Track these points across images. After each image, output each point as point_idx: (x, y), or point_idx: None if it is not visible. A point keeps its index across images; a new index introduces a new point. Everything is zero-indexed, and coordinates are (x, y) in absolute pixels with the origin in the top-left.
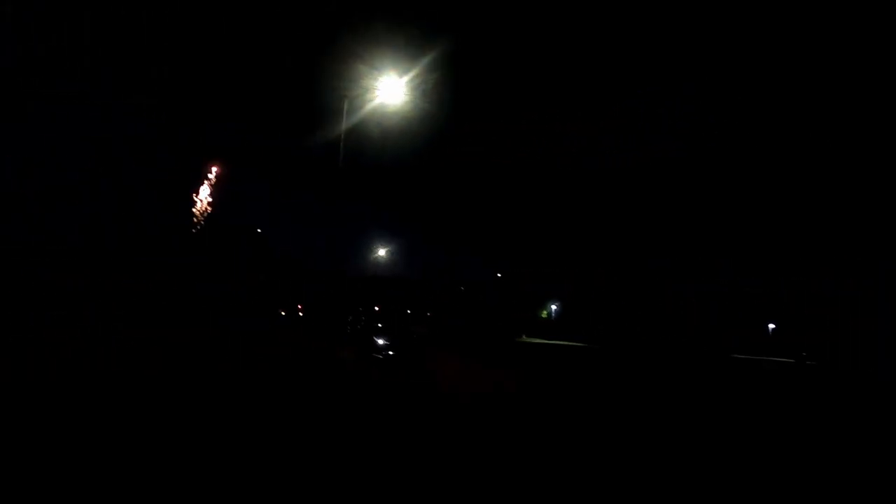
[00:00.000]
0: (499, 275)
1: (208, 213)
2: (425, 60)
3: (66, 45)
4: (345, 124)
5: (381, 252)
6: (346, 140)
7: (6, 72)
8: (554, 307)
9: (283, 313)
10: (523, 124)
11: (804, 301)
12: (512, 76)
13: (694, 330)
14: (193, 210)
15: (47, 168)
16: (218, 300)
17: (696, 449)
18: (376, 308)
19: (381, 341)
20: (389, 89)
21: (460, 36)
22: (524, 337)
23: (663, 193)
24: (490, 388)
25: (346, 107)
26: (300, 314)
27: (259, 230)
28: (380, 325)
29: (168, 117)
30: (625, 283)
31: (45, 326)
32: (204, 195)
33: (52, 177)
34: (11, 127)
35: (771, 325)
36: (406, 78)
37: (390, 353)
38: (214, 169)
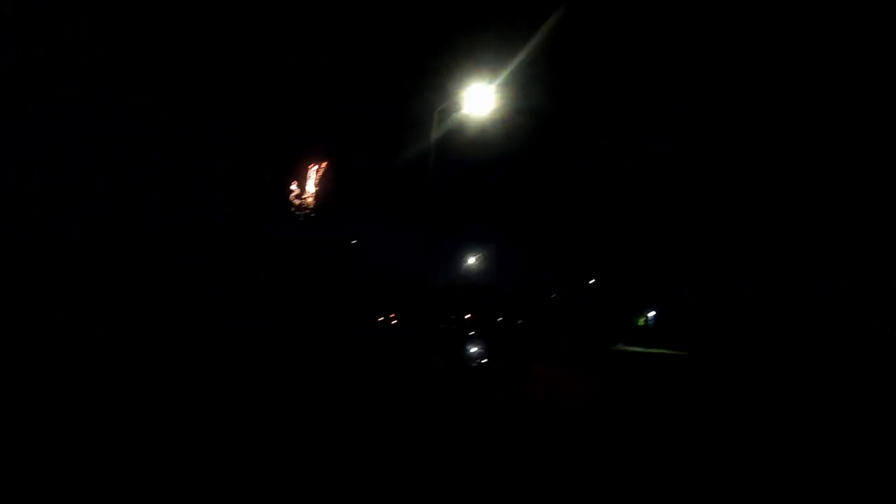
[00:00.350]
0: (591, 281)
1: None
2: (512, 66)
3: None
4: (435, 134)
5: (472, 260)
6: (436, 150)
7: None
8: (652, 314)
9: (379, 321)
10: (614, 123)
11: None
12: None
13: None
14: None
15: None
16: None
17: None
18: (467, 316)
19: (474, 349)
20: (477, 98)
21: (552, 36)
22: (621, 345)
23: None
24: (590, 399)
25: (435, 118)
26: (393, 322)
27: (353, 241)
28: (472, 333)
29: (256, 124)
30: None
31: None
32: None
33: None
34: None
35: None
36: (494, 84)
37: (484, 361)
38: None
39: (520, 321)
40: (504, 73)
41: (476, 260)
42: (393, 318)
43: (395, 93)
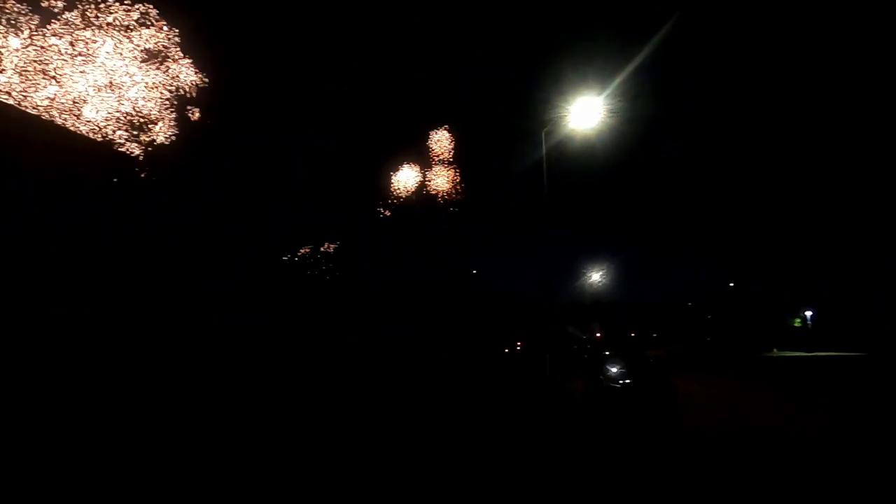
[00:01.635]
0: (731, 284)
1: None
2: (620, 76)
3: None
4: (545, 151)
5: (595, 276)
6: (547, 167)
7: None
8: (809, 313)
9: (506, 350)
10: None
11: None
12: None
13: None
14: None
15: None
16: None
17: None
18: (598, 335)
19: (614, 369)
20: (585, 111)
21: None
22: (775, 351)
23: None
24: (759, 421)
25: (544, 135)
26: (518, 349)
27: (474, 270)
28: (608, 352)
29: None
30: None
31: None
32: None
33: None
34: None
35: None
36: (602, 97)
37: (627, 381)
38: None
39: (655, 335)
40: (612, 84)
41: (600, 275)
42: (519, 346)
43: (503, 108)
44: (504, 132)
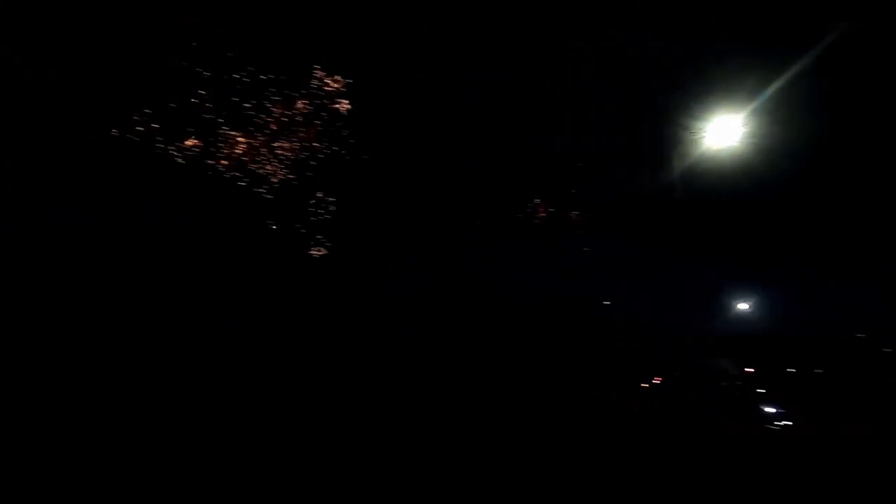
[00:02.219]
0: None
1: None
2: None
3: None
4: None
5: (744, 305)
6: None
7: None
8: None
9: (642, 385)
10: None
11: None
12: None
13: None
14: None
15: None
16: None
17: None
18: (749, 370)
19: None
20: (725, 127)
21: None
22: None
23: None
24: None
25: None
26: (656, 383)
27: None
28: (761, 390)
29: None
30: None
31: None
32: None
33: None
34: None
35: None
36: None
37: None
38: None
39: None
40: (756, 101)
41: (750, 304)
42: (657, 381)
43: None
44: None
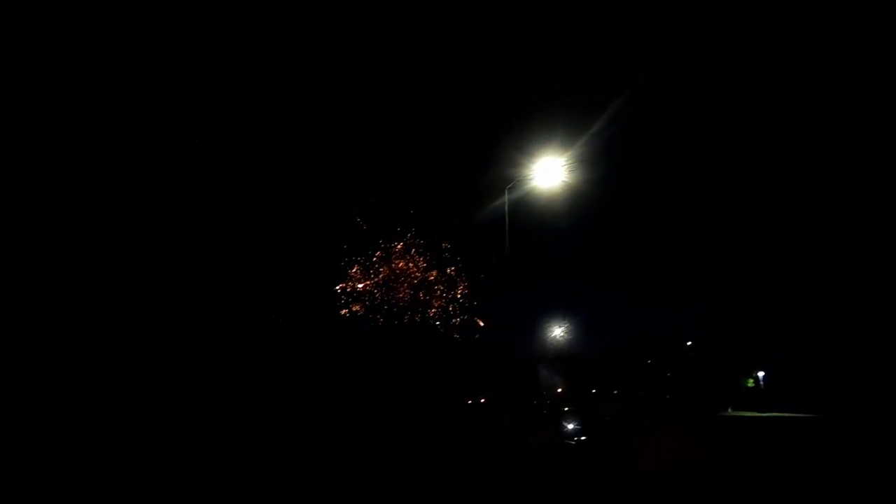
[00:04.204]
0: (689, 343)
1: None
2: (584, 139)
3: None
4: (507, 208)
5: (558, 331)
6: (510, 224)
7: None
8: (762, 374)
9: (469, 402)
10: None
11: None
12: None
13: None
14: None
15: None
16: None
17: None
18: (559, 390)
19: (570, 426)
20: (547, 170)
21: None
22: (730, 410)
23: None
24: (695, 473)
25: (507, 194)
26: (483, 403)
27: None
28: (567, 408)
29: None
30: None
31: None
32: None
33: None
34: None
35: None
36: (564, 156)
37: (582, 438)
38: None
39: (615, 391)
40: (575, 147)
41: (562, 329)
42: (483, 400)
43: (467, 164)
44: (467, 188)
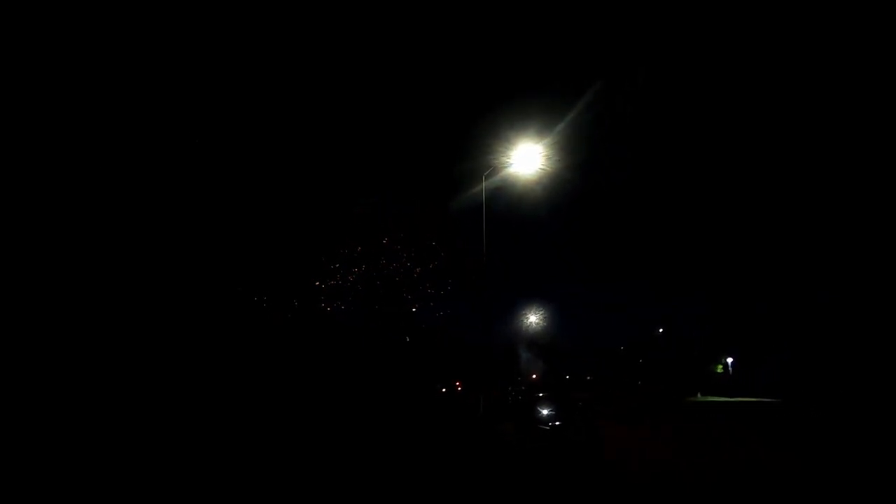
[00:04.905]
0: (660, 330)
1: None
2: (561, 124)
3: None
4: (484, 195)
5: (532, 319)
6: (486, 209)
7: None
8: (730, 360)
9: (443, 390)
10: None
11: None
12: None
13: None
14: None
15: None
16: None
17: None
18: (534, 376)
19: (544, 412)
20: (525, 157)
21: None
22: (699, 395)
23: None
24: (668, 455)
25: (484, 181)
26: (459, 390)
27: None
28: (541, 394)
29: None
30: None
31: None
32: None
33: None
34: None
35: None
36: (542, 143)
37: (556, 423)
38: None
39: (589, 378)
40: (552, 133)
41: (536, 318)
42: (458, 386)
43: (444, 153)
44: (444, 177)
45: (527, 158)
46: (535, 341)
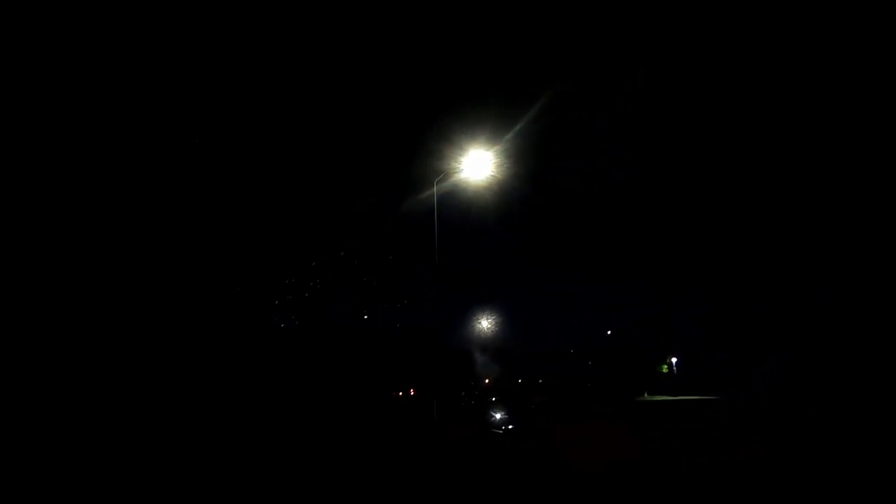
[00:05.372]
0: (609, 332)
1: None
2: (512, 131)
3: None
4: (435, 199)
5: (484, 323)
6: (438, 214)
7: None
8: (675, 359)
9: (399, 394)
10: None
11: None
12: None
13: None
14: None
15: None
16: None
17: None
18: (487, 380)
19: (497, 416)
20: (475, 163)
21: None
22: (646, 395)
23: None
24: (619, 455)
25: (435, 186)
26: (412, 394)
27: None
28: (494, 398)
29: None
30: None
31: None
32: None
33: None
34: None
35: None
36: (492, 150)
37: (509, 426)
38: None
39: (541, 381)
40: (503, 140)
41: (489, 322)
42: (412, 392)
43: (396, 157)
44: (395, 181)
45: (478, 164)
46: (487, 346)
